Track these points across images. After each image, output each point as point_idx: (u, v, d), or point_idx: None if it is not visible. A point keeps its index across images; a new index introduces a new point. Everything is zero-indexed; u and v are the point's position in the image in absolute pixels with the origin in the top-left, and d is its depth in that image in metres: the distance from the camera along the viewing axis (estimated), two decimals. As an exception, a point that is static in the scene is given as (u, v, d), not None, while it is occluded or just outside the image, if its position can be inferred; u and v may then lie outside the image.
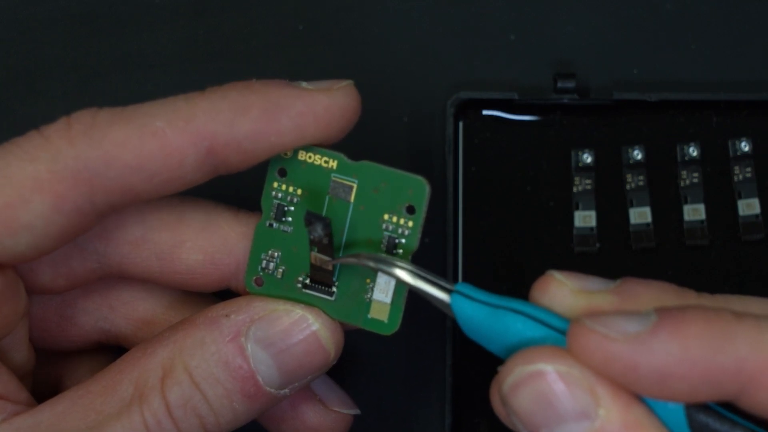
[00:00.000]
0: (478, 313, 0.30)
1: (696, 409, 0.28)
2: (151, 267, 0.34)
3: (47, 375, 0.37)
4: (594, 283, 0.30)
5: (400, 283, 0.32)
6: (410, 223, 0.33)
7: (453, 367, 0.40)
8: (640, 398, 0.28)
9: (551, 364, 0.28)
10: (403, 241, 0.33)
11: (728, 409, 0.28)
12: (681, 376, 0.27)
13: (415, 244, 0.33)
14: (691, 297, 0.30)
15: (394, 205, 0.33)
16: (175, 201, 0.35)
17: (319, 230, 0.31)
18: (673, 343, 0.27)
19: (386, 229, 0.33)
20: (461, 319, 0.31)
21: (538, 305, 0.30)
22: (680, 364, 0.27)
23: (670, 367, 0.27)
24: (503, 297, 0.30)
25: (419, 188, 0.33)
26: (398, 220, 0.33)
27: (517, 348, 0.29)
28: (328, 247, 0.32)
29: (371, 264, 0.32)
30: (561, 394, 0.28)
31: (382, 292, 0.33)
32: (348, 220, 0.33)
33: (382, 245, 0.33)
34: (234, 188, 0.37)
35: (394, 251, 0.33)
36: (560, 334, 0.29)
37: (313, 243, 0.33)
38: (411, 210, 0.33)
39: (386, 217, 0.33)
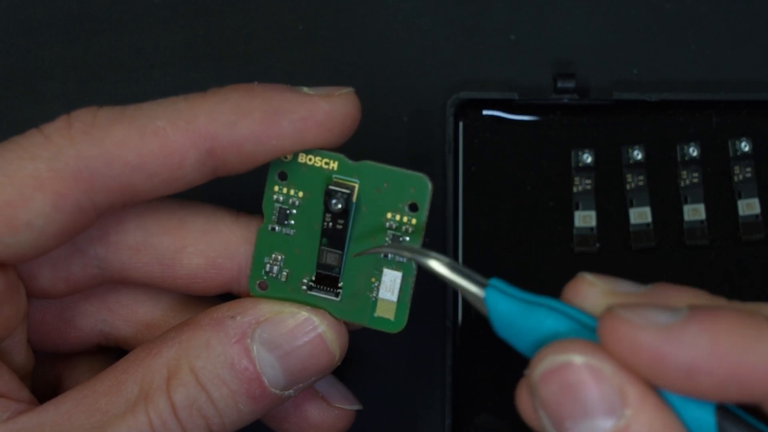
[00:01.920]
0: (511, 308, 0.30)
1: (727, 418, 0.27)
2: (152, 272, 0.34)
3: (46, 376, 0.37)
4: (625, 285, 0.30)
5: (435, 274, 0.32)
6: (414, 221, 0.33)
7: (453, 367, 0.40)
8: (669, 407, 0.28)
9: (583, 356, 0.28)
10: (408, 238, 0.33)
11: (754, 415, 0.28)
12: (708, 371, 0.26)
13: (420, 241, 0.33)
14: (722, 303, 0.29)
15: (397, 204, 0.33)
16: (175, 205, 0.35)
17: (341, 201, 0.32)
18: (704, 336, 0.26)
19: (390, 228, 0.33)
20: (493, 313, 0.30)
21: (570, 305, 0.30)
22: (708, 358, 0.26)
23: (698, 361, 0.26)
24: (535, 294, 0.30)
25: (422, 185, 0.33)
26: (401, 218, 0.33)
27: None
28: (341, 234, 0.32)
29: (407, 254, 0.32)
30: (589, 387, 0.27)
31: (388, 290, 0.33)
32: (351, 220, 0.33)
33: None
34: (234, 192, 0.37)
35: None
36: (592, 332, 0.29)
37: (325, 233, 0.33)
38: (414, 207, 0.33)
39: (389, 215, 0.33)
